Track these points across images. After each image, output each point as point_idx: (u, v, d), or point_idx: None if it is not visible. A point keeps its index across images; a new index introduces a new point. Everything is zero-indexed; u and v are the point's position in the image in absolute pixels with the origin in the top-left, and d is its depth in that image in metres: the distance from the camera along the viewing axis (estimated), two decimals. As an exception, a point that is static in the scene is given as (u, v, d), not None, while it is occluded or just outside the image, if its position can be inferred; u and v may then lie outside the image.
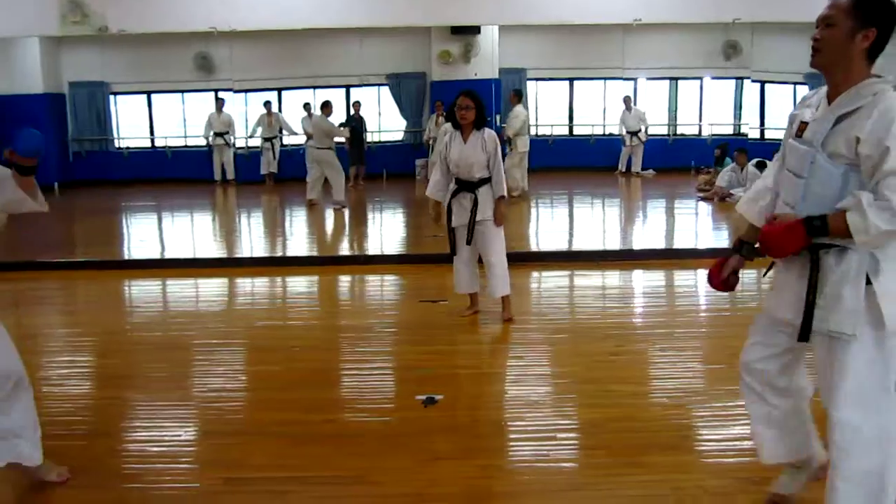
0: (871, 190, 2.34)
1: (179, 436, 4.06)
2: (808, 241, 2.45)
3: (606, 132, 16.99)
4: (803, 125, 2.59)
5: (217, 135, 16.01)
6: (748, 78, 17.02)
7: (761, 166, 11.30)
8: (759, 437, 2.89)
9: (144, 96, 17.20)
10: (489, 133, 5.73)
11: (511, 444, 3.95)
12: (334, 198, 12.04)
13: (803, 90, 16.74)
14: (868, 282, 2.42)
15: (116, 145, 17.28)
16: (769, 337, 2.78)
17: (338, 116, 16.66)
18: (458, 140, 5.74)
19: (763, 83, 17.29)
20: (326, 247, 9.90)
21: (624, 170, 16.27)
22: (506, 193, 5.76)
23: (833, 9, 2.45)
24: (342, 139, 13.10)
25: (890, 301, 2.42)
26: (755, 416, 2.87)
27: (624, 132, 16.29)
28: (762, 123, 17.59)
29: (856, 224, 2.30)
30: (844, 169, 2.41)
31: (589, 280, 7.51)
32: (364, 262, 8.44)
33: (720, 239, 10.27)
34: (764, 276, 2.86)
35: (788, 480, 3.01)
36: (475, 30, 15.19)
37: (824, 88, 2.58)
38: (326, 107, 12.33)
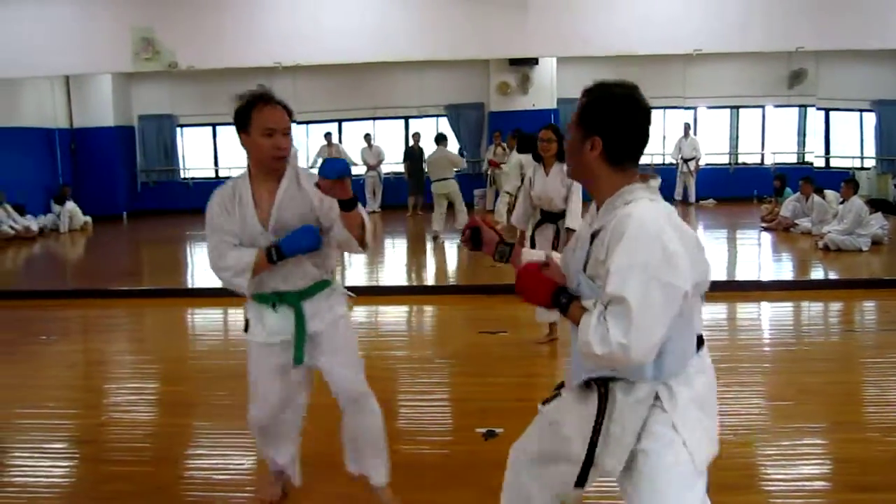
0: None
1: (243, 465, 4.12)
2: (549, 304, 2.21)
3: (666, 161, 16.84)
4: (575, 239, 2.37)
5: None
6: (812, 106, 16.69)
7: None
8: None
9: (210, 128, 17.71)
10: None
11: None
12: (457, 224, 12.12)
13: (870, 118, 16.41)
14: (663, 409, 2.16)
15: (182, 176, 17.79)
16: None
17: (397, 147, 16.91)
18: (541, 173, 5.85)
19: (828, 111, 16.95)
20: (385, 277, 9.98)
21: (680, 198, 16.09)
22: (575, 227, 5.72)
23: (573, 116, 2.28)
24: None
25: (692, 434, 2.16)
26: None
27: (679, 159, 16.16)
28: (827, 151, 17.21)
29: (582, 331, 2.05)
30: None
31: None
32: (422, 293, 8.48)
33: (784, 270, 10.05)
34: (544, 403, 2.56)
35: None
36: (533, 61, 15.27)
37: None
38: (443, 139, 12.73)
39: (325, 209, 3.03)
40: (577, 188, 5.76)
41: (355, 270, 10.60)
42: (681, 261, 2.01)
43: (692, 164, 16.11)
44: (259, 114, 2.92)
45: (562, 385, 2.49)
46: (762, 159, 17.60)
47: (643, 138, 2.22)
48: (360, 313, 7.73)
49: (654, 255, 1.99)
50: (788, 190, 13.36)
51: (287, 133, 2.98)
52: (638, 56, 13.20)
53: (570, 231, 5.71)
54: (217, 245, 3.08)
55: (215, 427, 4.65)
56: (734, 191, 16.45)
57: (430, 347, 6.41)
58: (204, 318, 7.91)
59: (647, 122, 2.21)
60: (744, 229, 13.09)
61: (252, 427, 3.44)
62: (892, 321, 7.21)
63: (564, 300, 2.18)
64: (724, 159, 17.50)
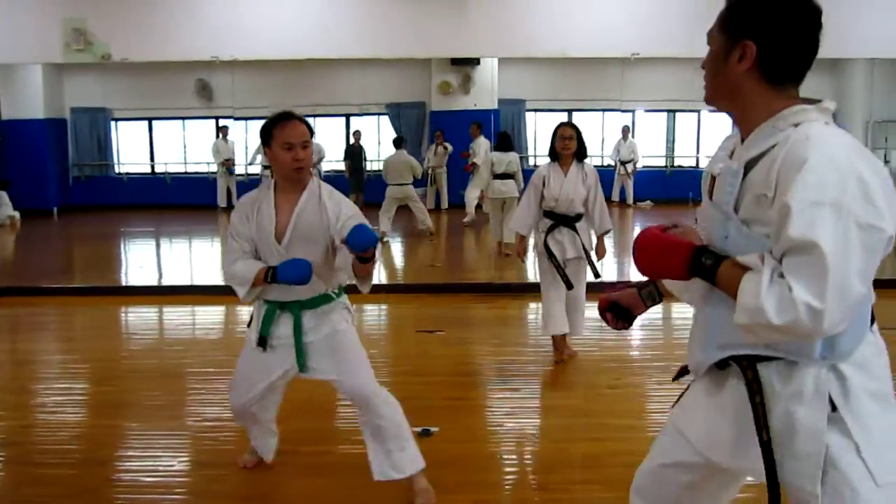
0: None
1: (173, 466, 4.04)
2: (685, 273, 1.73)
3: (605, 163, 17.07)
4: (712, 181, 1.87)
5: (226, 160, 16.14)
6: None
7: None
8: None
9: (145, 122, 17.33)
10: (590, 166, 5.54)
11: (506, 477, 3.94)
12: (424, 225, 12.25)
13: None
14: (833, 408, 1.67)
15: (116, 171, 17.36)
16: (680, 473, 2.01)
17: (338, 145, 16.79)
18: (557, 173, 5.48)
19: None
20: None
21: (618, 200, 16.36)
22: (610, 228, 5.61)
23: (716, 22, 1.81)
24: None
25: (871, 441, 1.67)
26: None
27: (617, 161, 16.44)
28: (759, 156, 17.68)
29: (746, 296, 1.57)
30: (768, 244, 1.62)
31: (587, 311, 7.50)
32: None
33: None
34: (674, 380, 2.18)
35: None
36: (475, 61, 15.33)
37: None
38: (403, 142, 12.79)
39: (338, 229, 3.21)
40: (600, 189, 5.52)
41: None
42: (882, 199, 1.53)
43: (630, 167, 16.39)
44: (280, 130, 3.21)
45: (684, 371, 2.01)
46: (697, 162, 17.98)
47: (814, 48, 1.70)
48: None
49: (850, 189, 1.51)
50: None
51: (306, 146, 3.22)
52: (577, 59, 13.37)
53: (605, 234, 5.56)
54: (231, 249, 3.31)
55: (146, 428, 4.54)
56: (670, 193, 16.75)
57: (368, 346, 6.37)
58: (137, 317, 7.73)
59: (818, 27, 1.69)
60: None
61: (231, 408, 3.69)
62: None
63: (709, 262, 1.67)
64: (661, 162, 17.84)
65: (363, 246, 3.02)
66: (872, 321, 1.74)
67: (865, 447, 1.65)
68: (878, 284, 1.73)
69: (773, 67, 1.69)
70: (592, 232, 5.65)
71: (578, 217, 5.51)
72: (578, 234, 5.49)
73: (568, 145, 5.46)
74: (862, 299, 1.54)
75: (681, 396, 2.01)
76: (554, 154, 5.55)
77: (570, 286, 5.48)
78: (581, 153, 5.52)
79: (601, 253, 5.64)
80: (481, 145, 13.07)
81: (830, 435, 1.65)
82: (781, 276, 1.53)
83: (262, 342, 3.36)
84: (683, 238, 1.75)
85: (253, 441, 3.84)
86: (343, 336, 3.41)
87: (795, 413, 1.67)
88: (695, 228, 1.85)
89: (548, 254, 5.49)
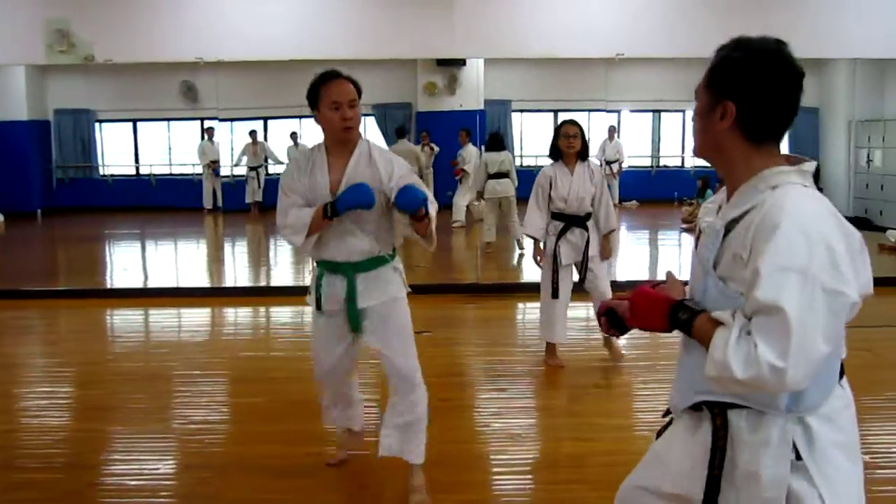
0: None
1: (158, 469, 4.02)
2: (666, 326, 1.84)
3: (590, 163, 17.12)
4: (699, 234, 1.97)
5: (212, 162, 16.08)
6: (729, 111, 17.23)
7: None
8: None
9: (130, 124, 17.21)
10: (595, 164, 5.46)
11: (493, 478, 3.94)
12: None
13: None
14: (798, 457, 1.75)
15: (101, 173, 17.24)
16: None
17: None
18: (563, 173, 5.43)
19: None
20: (311, 276, 9.85)
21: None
22: (616, 227, 5.55)
23: (702, 79, 1.88)
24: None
25: (835, 492, 1.74)
26: None
27: (603, 161, 16.49)
28: (744, 156, 17.77)
29: (715, 350, 1.65)
30: (742, 301, 1.70)
31: (573, 311, 7.51)
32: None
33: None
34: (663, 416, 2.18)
35: None
36: (461, 62, 15.34)
37: None
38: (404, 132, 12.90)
39: (391, 188, 3.17)
40: (606, 187, 5.47)
41: (282, 270, 10.47)
42: (846, 265, 1.63)
43: (615, 167, 16.42)
44: (326, 89, 3.18)
45: (669, 412, 2.09)
46: (682, 162, 18.07)
47: (792, 108, 1.77)
48: (285, 313, 7.63)
49: (818, 256, 1.59)
50: (710, 192, 13.76)
51: (354, 105, 3.19)
52: (563, 59, 13.42)
53: (612, 232, 5.51)
54: (284, 205, 3.29)
55: (130, 431, 4.51)
56: (656, 193, 16.83)
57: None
58: (122, 320, 7.69)
59: (798, 88, 1.76)
60: (665, 230, 13.44)
61: (318, 383, 3.71)
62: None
63: (685, 316, 1.78)
64: (647, 162, 17.91)
65: (412, 207, 3.02)
66: (842, 375, 1.82)
67: (829, 497, 1.72)
68: (874, 282, 1.79)
69: (752, 126, 1.77)
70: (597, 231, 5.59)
71: (588, 216, 5.45)
72: (589, 234, 5.42)
73: (572, 143, 5.41)
74: (826, 358, 1.61)
75: (666, 427, 2.09)
76: (556, 153, 5.49)
77: (555, 294, 5.43)
78: (585, 152, 5.47)
79: (606, 253, 5.57)
80: (471, 153, 12.94)
81: (795, 480, 1.73)
82: (749, 333, 1.61)
83: (319, 305, 3.36)
84: (664, 293, 1.87)
85: (337, 417, 3.83)
86: (398, 307, 3.40)
87: (760, 459, 1.75)
88: (679, 282, 1.95)
89: (553, 259, 5.43)
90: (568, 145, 5.41)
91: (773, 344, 1.56)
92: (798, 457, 1.73)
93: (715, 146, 1.83)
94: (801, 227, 1.62)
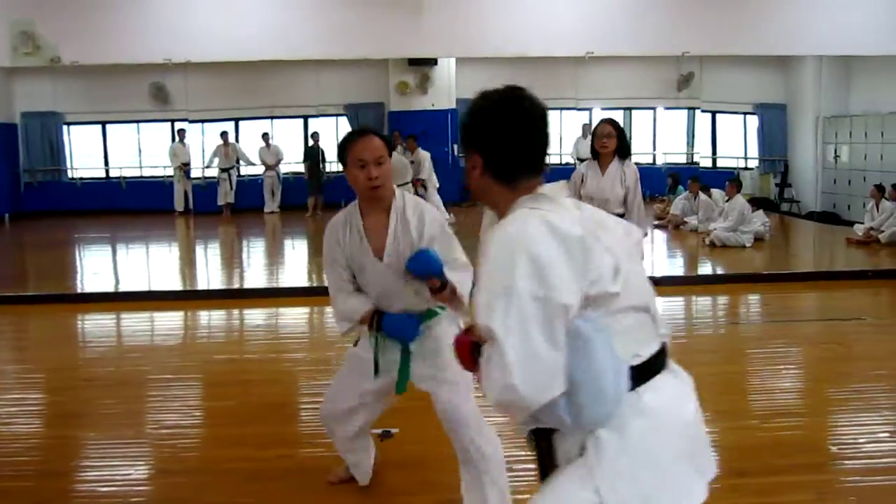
0: None
1: (130, 475, 3.98)
2: (473, 366, 1.89)
3: (563, 161, 17.21)
4: None
5: (183, 164, 15.95)
6: (699, 108, 17.40)
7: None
8: None
9: (99, 126, 17.03)
10: (631, 166, 5.34)
11: (468, 476, 3.93)
12: None
13: (753, 120, 17.19)
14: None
15: (69, 176, 17.03)
16: None
17: (296, 147, 16.69)
18: (595, 172, 5.32)
19: (714, 113, 17.68)
20: (284, 278, 9.83)
21: (577, 197, 16.46)
22: (646, 231, 5.36)
23: None
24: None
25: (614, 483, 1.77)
26: None
27: (576, 158, 16.57)
28: (714, 152, 17.94)
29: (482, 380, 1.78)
30: None
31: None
32: (323, 293, 8.39)
33: (675, 266, 10.45)
34: None
35: None
36: (432, 61, 15.36)
37: None
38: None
39: (424, 244, 3.08)
40: (640, 190, 5.33)
41: (254, 272, 10.41)
42: (556, 269, 1.68)
43: (588, 164, 16.56)
44: (352, 146, 3.03)
45: None
46: (654, 159, 18.23)
47: (530, 146, 1.88)
48: (258, 315, 7.59)
49: (520, 270, 1.67)
50: (681, 188, 13.89)
51: (381, 163, 3.02)
52: (532, 58, 13.48)
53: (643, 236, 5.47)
54: (333, 278, 3.23)
55: (102, 437, 4.47)
56: (628, 189, 16.96)
57: (330, 349, 6.36)
58: (93, 325, 7.61)
59: (533, 127, 1.88)
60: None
61: (321, 418, 3.55)
62: (773, 313, 7.60)
63: (477, 356, 1.82)
64: (618, 159, 18.04)
65: (422, 274, 2.94)
66: (644, 380, 1.82)
67: (611, 501, 1.75)
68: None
69: (499, 170, 1.87)
70: None
71: (621, 217, 5.42)
72: None
73: (606, 143, 5.30)
74: (556, 362, 1.67)
75: None
76: (595, 152, 5.40)
77: None
78: (623, 150, 5.36)
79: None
80: (425, 158, 12.64)
81: (582, 491, 1.78)
82: (487, 360, 1.70)
83: (377, 369, 3.25)
84: (467, 336, 1.93)
85: (348, 461, 3.68)
86: (447, 339, 3.12)
87: (570, 459, 1.83)
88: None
89: None
90: (601, 145, 5.31)
91: (497, 364, 1.66)
92: (586, 464, 1.78)
93: (479, 191, 1.93)
94: (504, 246, 1.72)
